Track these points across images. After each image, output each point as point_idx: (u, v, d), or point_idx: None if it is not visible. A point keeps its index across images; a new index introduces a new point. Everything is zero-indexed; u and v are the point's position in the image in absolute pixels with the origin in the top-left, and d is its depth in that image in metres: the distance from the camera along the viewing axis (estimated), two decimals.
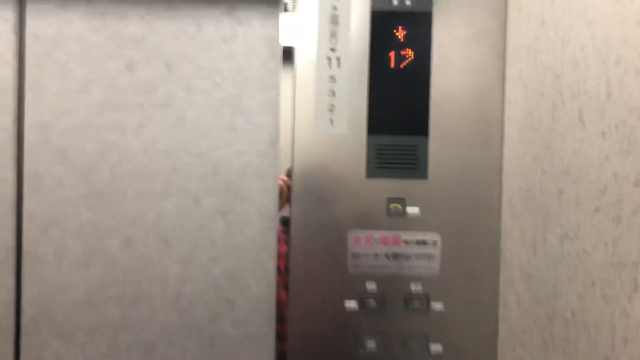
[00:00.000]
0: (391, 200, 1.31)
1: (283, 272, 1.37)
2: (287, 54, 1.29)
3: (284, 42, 1.29)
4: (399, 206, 1.31)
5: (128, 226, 1.39)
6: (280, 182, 1.33)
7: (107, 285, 1.41)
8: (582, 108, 0.93)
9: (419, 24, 1.27)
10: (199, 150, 1.39)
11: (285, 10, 1.28)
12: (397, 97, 1.29)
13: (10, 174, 1.38)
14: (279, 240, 1.34)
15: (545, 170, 1.06)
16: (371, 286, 1.31)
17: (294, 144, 1.29)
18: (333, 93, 1.28)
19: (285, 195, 1.40)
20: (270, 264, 1.41)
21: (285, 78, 1.30)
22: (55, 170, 1.38)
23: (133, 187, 1.39)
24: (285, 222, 1.39)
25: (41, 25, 1.37)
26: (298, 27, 1.26)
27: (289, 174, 1.30)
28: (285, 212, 1.41)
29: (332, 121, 1.29)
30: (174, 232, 1.40)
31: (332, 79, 1.28)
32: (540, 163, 1.08)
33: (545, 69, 1.06)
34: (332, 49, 1.28)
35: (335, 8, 1.26)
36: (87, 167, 1.38)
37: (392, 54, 1.27)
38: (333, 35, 1.27)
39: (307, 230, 1.30)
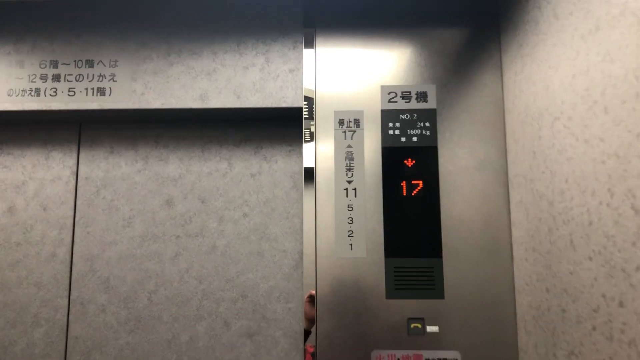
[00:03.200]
0: (411, 320, 1.37)
1: None
2: (311, 175, 1.42)
3: (307, 163, 1.43)
4: (419, 325, 1.37)
5: (163, 349, 1.48)
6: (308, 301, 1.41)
7: None
8: (572, 233, 1.02)
9: (426, 157, 1.41)
10: (229, 275, 1.51)
11: (306, 141, 1.44)
12: (410, 222, 1.39)
13: (64, 302, 1.51)
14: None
15: (549, 290, 1.13)
16: None
17: (317, 268, 1.39)
18: (351, 220, 1.40)
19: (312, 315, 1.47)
20: None
21: (307, 205, 1.42)
22: (99, 298, 1.51)
23: (168, 312, 1.49)
24: None
25: (93, 169, 1.57)
26: (317, 163, 1.41)
27: (311, 299, 1.39)
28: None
29: (351, 246, 1.39)
30: (206, 354, 1.47)
31: (350, 207, 1.41)
32: (544, 282, 1.15)
33: (541, 197, 1.17)
34: (349, 181, 1.41)
35: (349, 146, 1.42)
36: (128, 294, 1.51)
37: (403, 184, 1.40)
38: (349, 169, 1.42)
39: (332, 350, 1.36)
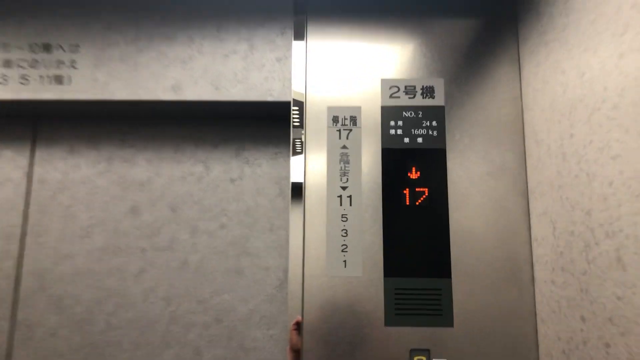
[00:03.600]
0: (414, 351, 1.16)
1: None
2: (298, 190, 1.23)
3: (294, 178, 1.23)
4: (424, 358, 1.16)
5: None
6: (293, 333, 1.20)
7: None
8: (619, 249, 0.82)
9: (433, 161, 1.22)
10: (202, 296, 1.29)
11: (295, 152, 1.24)
12: (414, 235, 1.19)
13: (6, 325, 1.29)
14: None
15: (586, 319, 0.93)
16: None
17: (304, 288, 1.18)
18: (345, 232, 1.20)
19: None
20: None
21: (295, 215, 1.22)
22: (49, 320, 1.29)
23: (129, 337, 1.28)
24: None
25: (48, 170, 1.36)
26: (307, 165, 1.21)
27: (298, 327, 1.17)
28: None
29: (345, 262, 1.19)
30: None
31: (344, 217, 1.21)
32: (579, 310, 0.95)
33: (573, 206, 0.97)
34: (343, 187, 1.22)
35: (345, 147, 1.23)
36: (83, 316, 1.29)
37: (406, 191, 1.21)
38: (344, 173, 1.22)
39: None
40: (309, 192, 1.21)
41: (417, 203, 1.20)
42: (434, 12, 1.30)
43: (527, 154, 1.20)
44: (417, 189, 1.21)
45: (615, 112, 0.83)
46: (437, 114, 1.24)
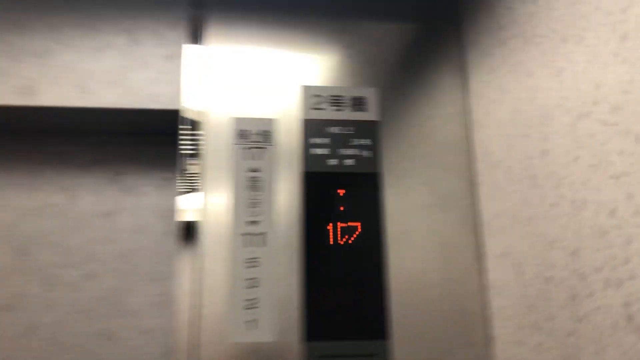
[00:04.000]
0: None
1: None
2: (191, 232, 0.93)
3: (187, 216, 0.93)
4: None
5: None
6: None
7: None
8: (628, 302, 0.59)
9: (366, 189, 0.97)
10: None
11: (188, 176, 0.95)
12: (343, 284, 0.93)
13: None
14: None
15: None
16: None
17: (200, 358, 0.87)
18: (254, 282, 0.92)
19: None
20: None
21: (187, 260, 0.92)
22: None
23: None
24: None
25: None
26: (205, 195, 0.92)
27: None
28: None
29: (253, 323, 0.90)
30: None
31: (253, 262, 0.92)
32: None
33: (551, 244, 0.75)
34: (253, 222, 0.94)
35: (255, 170, 0.95)
36: None
37: (330, 227, 0.94)
38: (253, 203, 0.94)
39: None
40: (207, 229, 0.93)
41: (349, 242, 0.94)
42: (362, 11, 1.09)
43: (479, 180, 0.98)
44: (348, 223, 0.95)
45: (616, 116, 0.61)
46: (371, 130, 1.00)
